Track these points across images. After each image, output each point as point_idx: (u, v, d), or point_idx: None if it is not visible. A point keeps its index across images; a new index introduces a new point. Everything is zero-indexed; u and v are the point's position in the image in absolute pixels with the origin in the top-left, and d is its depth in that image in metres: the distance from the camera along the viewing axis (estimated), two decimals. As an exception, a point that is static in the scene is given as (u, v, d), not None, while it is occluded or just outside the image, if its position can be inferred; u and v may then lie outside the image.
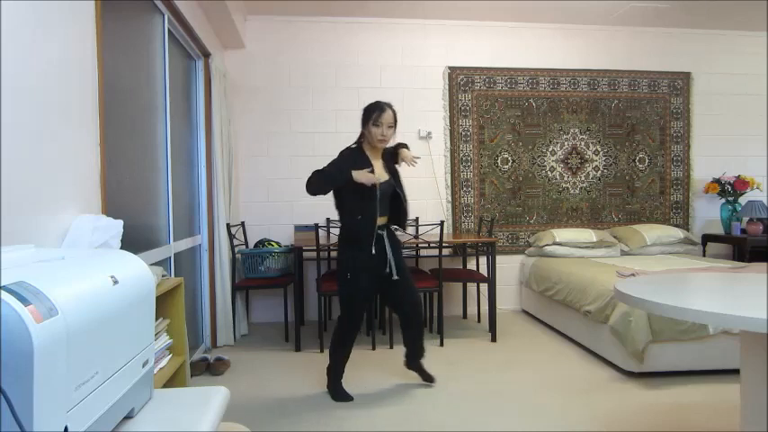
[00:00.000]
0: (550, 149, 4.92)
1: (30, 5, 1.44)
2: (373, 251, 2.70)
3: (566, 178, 4.95)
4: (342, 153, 2.78)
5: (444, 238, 3.83)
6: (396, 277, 2.79)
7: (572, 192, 4.96)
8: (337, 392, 2.80)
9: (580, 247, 4.54)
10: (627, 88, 5.01)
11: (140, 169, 2.53)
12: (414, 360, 2.97)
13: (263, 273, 4.00)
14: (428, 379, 2.97)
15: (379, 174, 2.74)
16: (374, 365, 3.33)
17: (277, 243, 4.23)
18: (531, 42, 4.89)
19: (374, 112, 2.68)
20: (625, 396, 2.78)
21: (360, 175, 2.59)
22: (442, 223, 3.69)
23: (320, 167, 2.68)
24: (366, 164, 2.72)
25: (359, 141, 2.80)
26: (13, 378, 0.66)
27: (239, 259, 4.13)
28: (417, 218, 4.62)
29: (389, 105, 2.71)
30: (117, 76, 2.22)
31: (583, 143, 4.96)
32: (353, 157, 2.73)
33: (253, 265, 4.00)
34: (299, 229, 4.38)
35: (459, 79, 4.81)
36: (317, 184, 2.61)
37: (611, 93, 4.99)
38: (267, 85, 4.60)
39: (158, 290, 1.82)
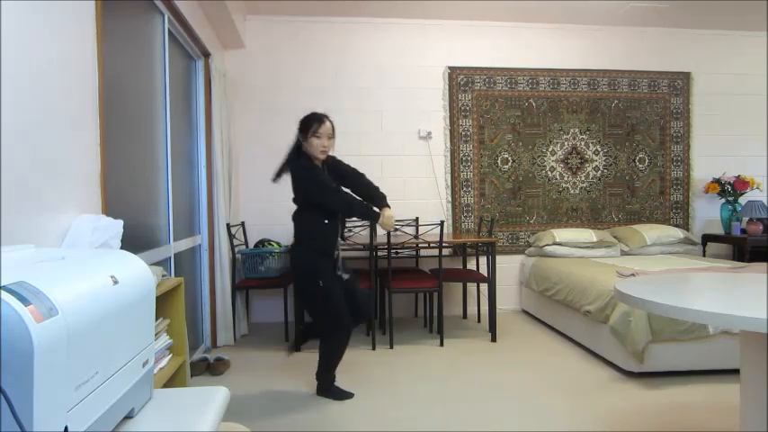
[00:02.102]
0: (550, 149, 4.92)
1: (30, 5, 1.44)
2: (335, 254, 2.75)
3: (566, 178, 4.95)
4: (314, 169, 2.73)
5: (444, 238, 3.83)
6: (346, 276, 2.80)
7: (572, 192, 4.96)
8: (338, 392, 2.80)
9: (580, 247, 4.54)
10: (627, 88, 5.01)
11: (140, 169, 2.53)
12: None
13: (263, 273, 4.00)
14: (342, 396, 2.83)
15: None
16: (374, 365, 3.33)
17: (277, 243, 4.23)
18: (531, 42, 4.89)
19: (313, 124, 2.66)
20: (625, 396, 2.78)
21: (387, 224, 2.71)
22: (442, 223, 3.69)
23: (336, 191, 2.68)
24: (321, 175, 2.74)
25: (300, 152, 2.75)
26: (13, 378, 0.66)
27: (239, 259, 4.13)
28: (417, 218, 4.61)
29: (327, 117, 2.71)
30: (117, 77, 2.22)
31: (583, 143, 4.96)
32: (319, 169, 2.74)
33: (253, 265, 4.00)
34: (299, 229, 4.37)
35: (459, 79, 4.81)
36: (353, 211, 2.71)
37: (611, 93, 4.99)
38: (267, 85, 4.60)
39: (158, 290, 1.82)
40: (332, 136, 2.71)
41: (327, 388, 2.81)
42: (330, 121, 2.70)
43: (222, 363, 3.27)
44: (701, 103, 5.10)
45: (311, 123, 2.67)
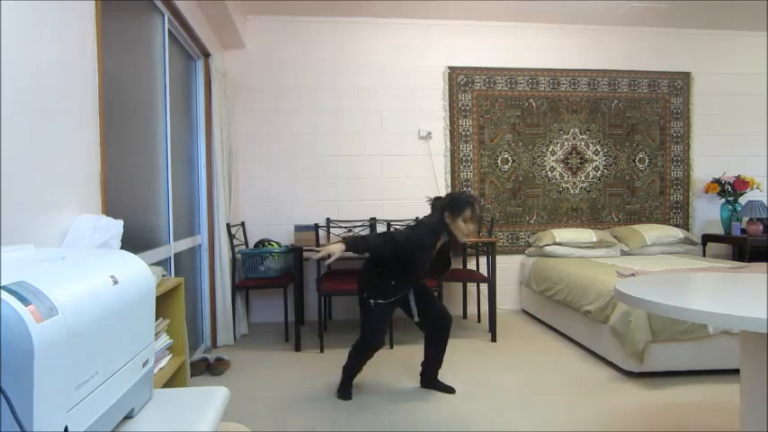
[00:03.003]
0: (550, 149, 4.92)
1: (30, 5, 1.44)
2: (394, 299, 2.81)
3: (566, 178, 4.95)
4: (424, 234, 2.68)
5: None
6: (416, 320, 2.86)
7: (572, 192, 4.96)
8: (345, 392, 2.84)
9: (580, 247, 4.54)
10: (627, 88, 5.01)
11: (140, 169, 2.53)
12: (430, 378, 2.96)
13: (263, 273, 4.00)
14: (448, 390, 2.91)
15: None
16: (374, 366, 3.33)
17: (277, 243, 4.23)
18: (531, 42, 4.89)
19: (467, 209, 2.64)
20: (625, 396, 2.78)
21: (321, 252, 2.63)
22: (442, 223, 3.69)
23: (393, 238, 2.65)
24: (431, 250, 2.71)
25: (443, 222, 2.69)
26: (14, 378, 0.66)
27: (239, 259, 4.13)
28: (417, 218, 4.61)
29: (479, 203, 2.71)
30: (117, 77, 2.22)
31: (583, 143, 4.96)
32: (429, 245, 2.69)
33: (253, 265, 4.00)
34: (298, 229, 4.38)
35: (459, 79, 4.81)
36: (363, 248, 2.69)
37: (611, 93, 4.99)
38: (267, 85, 4.60)
39: (158, 290, 1.82)
40: (476, 222, 2.71)
41: (343, 386, 2.87)
42: (480, 208, 2.71)
43: (222, 363, 3.27)
44: (701, 103, 5.10)
45: (464, 207, 2.64)
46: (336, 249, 2.61)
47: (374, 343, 2.77)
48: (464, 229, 2.66)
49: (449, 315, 2.90)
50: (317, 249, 2.70)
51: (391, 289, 2.76)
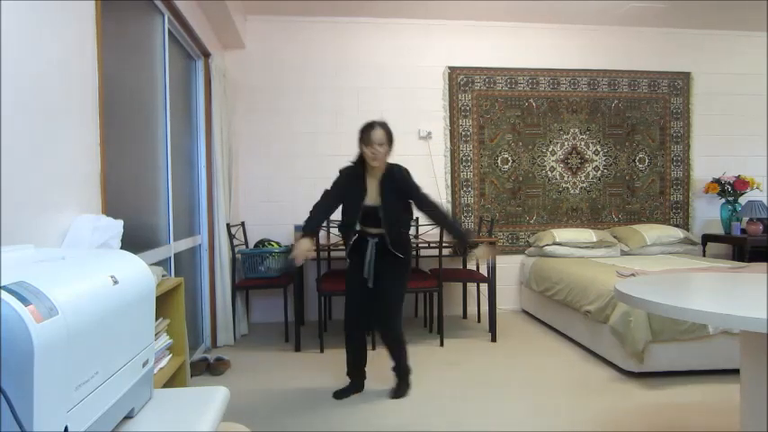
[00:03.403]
0: (550, 149, 4.92)
1: (30, 5, 1.44)
2: (355, 258, 2.81)
3: (566, 178, 4.95)
4: (341, 171, 2.83)
5: (444, 238, 3.83)
6: (370, 285, 2.77)
7: (572, 192, 4.96)
8: (341, 391, 2.84)
9: (580, 247, 4.54)
10: (627, 88, 5.01)
11: (140, 169, 2.53)
12: (396, 373, 2.91)
13: (263, 273, 4.00)
14: (396, 393, 2.83)
15: (372, 196, 2.74)
16: (374, 365, 3.33)
17: (277, 243, 4.23)
18: (531, 42, 4.89)
19: (364, 132, 2.69)
20: (625, 396, 2.78)
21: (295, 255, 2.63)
22: (442, 223, 3.69)
23: (324, 193, 2.82)
24: (360, 183, 2.74)
25: (360, 159, 2.77)
26: (13, 378, 0.66)
27: (239, 259, 4.13)
28: (417, 218, 4.61)
29: (381, 124, 2.69)
30: (117, 77, 2.22)
31: (583, 143, 4.96)
32: (349, 176, 2.77)
33: (253, 265, 4.00)
34: (298, 229, 4.35)
35: (459, 79, 4.81)
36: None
37: (611, 93, 4.99)
38: (267, 85, 4.60)
39: (158, 290, 1.82)
40: (383, 143, 2.67)
41: (348, 384, 2.90)
42: (384, 128, 2.69)
43: (222, 363, 3.27)
44: (701, 103, 5.10)
45: (362, 131, 2.70)
46: (305, 246, 2.59)
47: (347, 323, 2.81)
48: (367, 153, 2.68)
49: (386, 325, 2.78)
50: (292, 258, 2.65)
51: (346, 237, 2.81)
